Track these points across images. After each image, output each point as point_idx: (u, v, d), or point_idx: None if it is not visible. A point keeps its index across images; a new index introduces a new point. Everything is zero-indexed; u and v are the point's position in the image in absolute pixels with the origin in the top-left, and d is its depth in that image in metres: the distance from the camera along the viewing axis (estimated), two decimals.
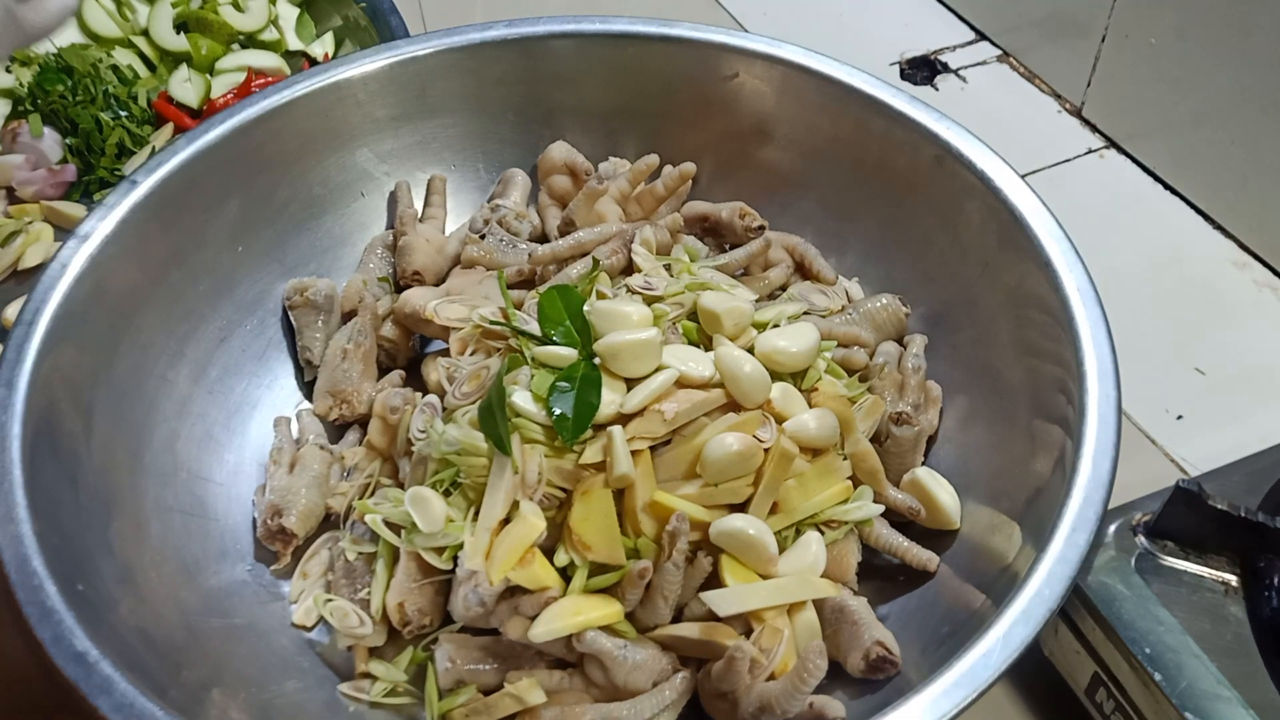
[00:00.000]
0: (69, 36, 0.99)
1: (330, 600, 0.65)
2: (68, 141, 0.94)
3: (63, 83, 0.94)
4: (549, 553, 0.60)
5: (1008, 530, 0.61)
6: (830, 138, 0.78)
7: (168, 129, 0.95)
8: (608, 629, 0.59)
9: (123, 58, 0.99)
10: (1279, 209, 0.91)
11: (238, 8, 1.03)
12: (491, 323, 0.67)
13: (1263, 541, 0.61)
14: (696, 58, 0.80)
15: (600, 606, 0.58)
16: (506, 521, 0.59)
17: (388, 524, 0.63)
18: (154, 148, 0.94)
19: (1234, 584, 0.61)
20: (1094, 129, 1.05)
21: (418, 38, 0.80)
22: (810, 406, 0.66)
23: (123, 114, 0.95)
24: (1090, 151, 1.04)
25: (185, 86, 0.98)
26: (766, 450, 0.62)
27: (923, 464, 0.69)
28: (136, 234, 0.68)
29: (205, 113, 0.97)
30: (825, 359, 0.70)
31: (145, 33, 1.01)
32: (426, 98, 0.81)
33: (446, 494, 0.62)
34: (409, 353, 0.77)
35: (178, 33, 1.01)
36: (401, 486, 0.66)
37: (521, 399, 0.61)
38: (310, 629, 0.66)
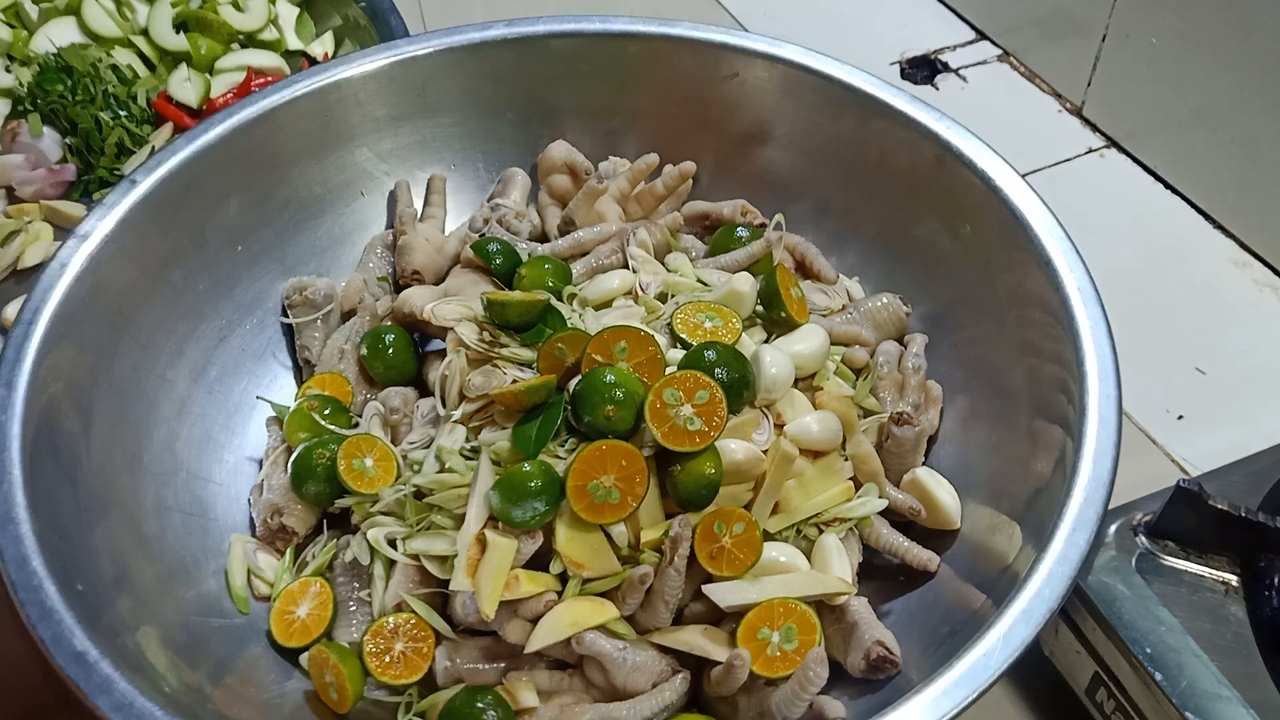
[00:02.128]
0: (68, 36, 0.99)
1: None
2: (67, 141, 0.94)
3: (62, 82, 0.94)
4: (545, 557, 0.60)
5: (1008, 530, 0.61)
6: (830, 137, 0.78)
7: (167, 128, 0.95)
8: (608, 631, 0.59)
9: (122, 57, 0.99)
10: (1279, 209, 0.91)
11: (237, 7, 1.03)
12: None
13: (1263, 541, 0.61)
14: (696, 57, 0.80)
15: (597, 610, 0.58)
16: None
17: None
18: (153, 147, 0.94)
19: (1234, 584, 0.61)
20: (1094, 128, 1.05)
21: (418, 37, 0.80)
22: (815, 407, 0.66)
23: (122, 114, 0.94)
24: (1090, 151, 1.04)
25: (185, 86, 0.98)
26: (765, 452, 0.62)
27: (923, 464, 0.69)
28: (136, 233, 0.68)
29: (205, 112, 0.97)
30: (835, 361, 0.70)
31: (145, 32, 1.01)
32: (426, 97, 0.81)
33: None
34: None
35: (177, 32, 1.01)
36: None
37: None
38: None
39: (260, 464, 0.72)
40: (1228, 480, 0.65)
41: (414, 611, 0.61)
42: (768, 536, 0.62)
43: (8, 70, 0.98)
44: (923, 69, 1.12)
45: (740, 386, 0.61)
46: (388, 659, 0.60)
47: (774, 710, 0.56)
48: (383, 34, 0.97)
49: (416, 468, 0.64)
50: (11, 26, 1.01)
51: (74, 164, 0.94)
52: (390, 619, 0.61)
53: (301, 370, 0.78)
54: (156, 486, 0.66)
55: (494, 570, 0.57)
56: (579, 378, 0.62)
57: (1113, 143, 1.04)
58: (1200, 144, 0.95)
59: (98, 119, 0.93)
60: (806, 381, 0.68)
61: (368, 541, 0.63)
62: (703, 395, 0.59)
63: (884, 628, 0.60)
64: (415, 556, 0.61)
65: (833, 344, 0.70)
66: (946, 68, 1.12)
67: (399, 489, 0.63)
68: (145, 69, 1.00)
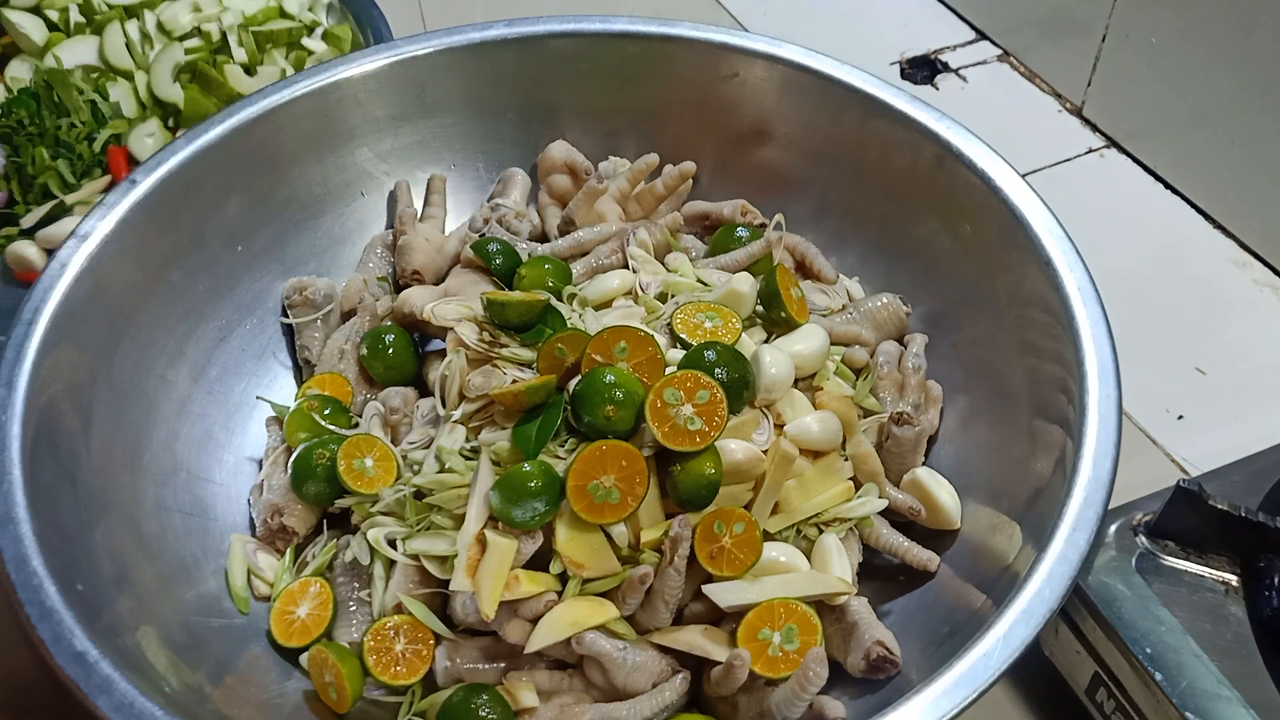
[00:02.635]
0: (81, 56, 0.95)
1: None
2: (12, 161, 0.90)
3: (28, 109, 0.90)
4: (545, 557, 0.60)
5: (1008, 530, 0.61)
6: (830, 137, 0.78)
7: (102, 182, 0.90)
8: (608, 631, 0.59)
9: (118, 92, 0.95)
10: (1279, 209, 0.91)
11: (249, 71, 0.98)
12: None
13: (1263, 541, 0.61)
14: (696, 57, 0.80)
15: (597, 610, 0.58)
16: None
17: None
18: (63, 201, 0.88)
19: (1234, 584, 0.61)
20: (1094, 128, 1.05)
21: (417, 37, 0.80)
22: (815, 407, 0.66)
23: (65, 157, 0.90)
24: (1090, 151, 1.04)
25: (146, 141, 0.93)
26: (765, 452, 0.62)
27: (923, 464, 0.69)
28: (136, 234, 0.68)
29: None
30: (835, 361, 0.70)
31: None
32: (426, 97, 0.81)
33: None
34: None
35: (175, 80, 0.96)
36: None
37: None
38: None
39: (260, 464, 0.72)
40: (1228, 480, 0.65)
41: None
42: (768, 536, 0.62)
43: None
44: (923, 69, 1.12)
45: (740, 386, 0.61)
46: (388, 659, 0.60)
47: (774, 710, 0.56)
48: None
49: (416, 468, 0.64)
50: (56, 30, 0.98)
51: (6, 190, 0.90)
52: (390, 619, 0.61)
53: (301, 370, 0.78)
54: (156, 486, 0.66)
55: (494, 570, 0.57)
56: (579, 378, 0.62)
57: (1113, 143, 1.04)
58: (1200, 144, 0.95)
59: (34, 157, 0.89)
60: (806, 381, 0.68)
61: (368, 541, 0.63)
62: (703, 395, 0.59)
63: (884, 628, 0.60)
64: (415, 557, 0.61)
65: (833, 344, 0.70)
66: (946, 68, 1.12)
67: (399, 489, 0.63)
68: (138, 107, 0.96)
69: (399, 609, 0.61)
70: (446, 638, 0.61)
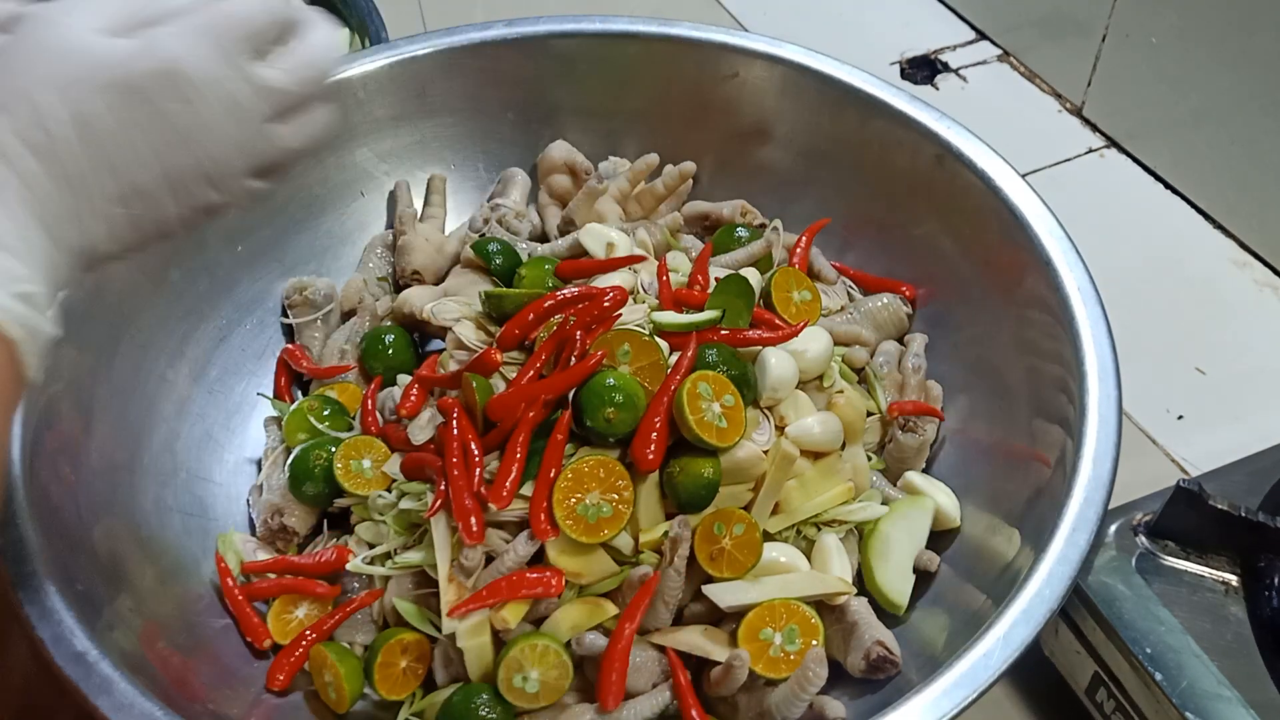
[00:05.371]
0: None
1: None
2: None
3: None
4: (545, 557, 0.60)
5: (1008, 531, 0.61)
6: (831, 137, 0.78)
7: None
8: (607, 631, 0.59)
9: None
10: (1279, 209, 0.91)
11: None
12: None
13: (1263, 541, 0.61)
14: (696, 57, 0.80)
15: (596, 612, 0.59)
16: None
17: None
18: None
19: (1234, 584, 0.61)
20: (1094, 128, 1.05)
21: (417, 37, 0.80)
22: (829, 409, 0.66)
23: None
24: (1090, 151, 1.04)
25: None
26: (765, 452, 0.62)
27: (923, 465, 0.69)
28: None
29: None
30: (837, 362, 0.70)
31: None
32: (426, 97, 0.81)
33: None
34: None
35: None
36: None
37: None
38: None
39: (260, 464, 0.72)
40: (1228, 480, 0.65)
41: (407, 623, 0.61)
42: (768, 537, 0.62)
43: None
44: (923, 69, 1.12)
45: (740, 386, 0.61)
46: (393, 673, 0.60)
47: (774, 710, 0.56)
48: None
49: None
50: None
51: None
52: (401, 636, 0.60)
53: None
54: (156, 486, 0.66)
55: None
56: None
57: (1113, 143, 1.04)
58: (1200, 144, 0.95)
59: None
60: (814, 384, 0.68)
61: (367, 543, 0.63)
62: (729, 400, 0.60)
63: (884, 628, 0.60)
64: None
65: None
66: (946, 68, 1.12)
67: (380, 495, 0.64)
68: None
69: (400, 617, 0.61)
70: (446, 640, 0.61)
